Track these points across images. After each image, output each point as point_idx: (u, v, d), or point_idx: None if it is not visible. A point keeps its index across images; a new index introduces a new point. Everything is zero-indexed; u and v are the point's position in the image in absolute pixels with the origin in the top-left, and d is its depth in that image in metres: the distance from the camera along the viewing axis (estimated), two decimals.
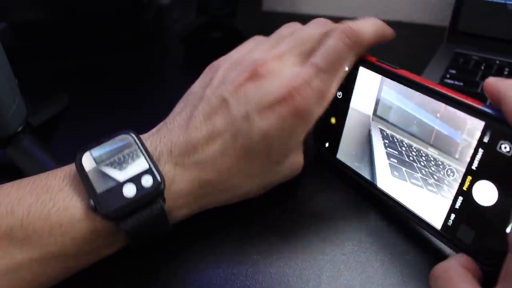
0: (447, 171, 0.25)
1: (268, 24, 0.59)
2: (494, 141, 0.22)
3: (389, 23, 0.30)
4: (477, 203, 0.23)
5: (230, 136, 0.25)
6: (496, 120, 0.22)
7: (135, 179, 0.23)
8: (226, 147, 0.25)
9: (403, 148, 0.27)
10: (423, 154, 0.26)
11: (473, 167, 0.23)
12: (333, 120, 0.31)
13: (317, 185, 0.32)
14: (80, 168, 0.23)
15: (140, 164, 0.24)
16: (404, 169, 0.27)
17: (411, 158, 0.26)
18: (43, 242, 0.22)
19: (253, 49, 0.30)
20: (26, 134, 0.33)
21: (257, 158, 0.26)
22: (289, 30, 0.30)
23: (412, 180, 0.26)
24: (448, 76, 0.41)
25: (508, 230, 0.22)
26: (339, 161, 0.31)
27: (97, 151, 0.24)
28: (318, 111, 0.27)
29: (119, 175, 0.24)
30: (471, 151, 0.23)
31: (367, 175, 0.29)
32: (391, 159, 0.28)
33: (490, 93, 0.22)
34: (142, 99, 0.44)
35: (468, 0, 0.45)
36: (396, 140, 0.27)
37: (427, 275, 0.25)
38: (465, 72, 0.42)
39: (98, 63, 0.50)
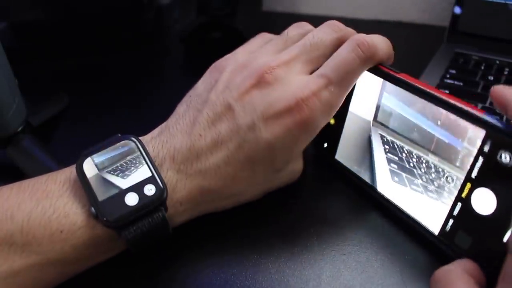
0: (446, 177, 0.25)
1: (268, 24, 0.59)
2: (494, 151, 0.22)
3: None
4: (475, 211, 0.23)
5: (235, 146, 0.25)
6: (497, 130, 0.22)
7: (138, 187, 0.23)
8: (230, 156, 0.25)
9: (403, 154, 0.27)
10: (424, 161, 0.26)
11: (473, 175, 0.23)
12: (332, 121, 0.31)
13: (317, 185, 0.32)
14: (81, 174, 0.23)
15: (142, 171, 0.24)
16: (404, 175, 0.27)
17: (411, 164, 0.26)
18: (43, 248, 0.22)
19: (259, 50, 0.29)
20: (26, 134, 0.33)
21: (261, 167, 0.26)
22: (299, 32, 0.29)
23: (413, 186, 0.26)
24: (448, 76, 0.41)
25: (505, 238, 0.22)
26: (338, 162, 0.31)
27: (99, 157, 0.24)
28: (324, 122, 0.26)
29: (122, 182, 0.23)
30: (471, 159, 0.23)
31: (367, 179, 0.29)
32: (392, 164, 0.28)
33: (497, 100, 0.22)
34: (142, 99, 0.44)
35: (468, 0, 0.45)
36: (396, 146, 0.27)
37: (427, 275, 0.25)
38: (465, 72, 0.42)
39: (98, 63, 0.50)
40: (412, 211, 0.27)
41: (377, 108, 0.28)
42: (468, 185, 0.24)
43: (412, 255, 0.26)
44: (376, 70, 0.28)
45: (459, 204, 0.24)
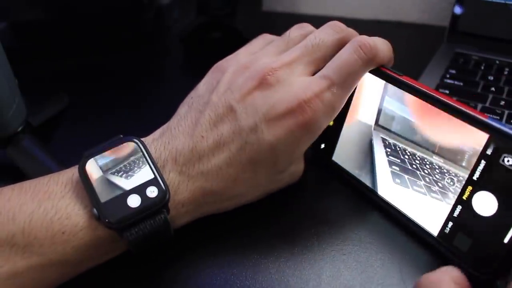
0: (447, 180, 0.25)
1: (268, 24, 0.59)
2: (497, 154, 0.22)
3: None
4: (476, 213, 0.23)
5: (237, 147, 0.25)
6: (500, 134, 0.22)
7: (140, 189, 0.23)
8: (232, 158, 0.25)
9: (406, 157, 0.27)
10: (427, 162, 0.26)
11: (474, 178, 0.23)
12: (330, 123, 0.31)
13: (317, 186, 0.32)
14: (84, 175, 0.23)
15: (145, 172, 0.24)
16: (406, 176, 0.27)
17: (414, 166, 0.26)
18: (45, 249, 0.22)
19: (261, 51, 0.29)
20: (26, 134, 0.33)
21: (263, 168, 0.26)
22: (300, 33, 0.29)
23: (415, 187, 0.26)
24: (448, 76, 0.41)
25: (506, 240, 0.22)
26: (335, 164, 0.31)
27: (103, 159, 0.24)
28: (326, 123, 0.26)
29: (126, 183, 0.23)
30: (474, 161, 0.23)
31: (366, 181, 0.29)
32: (393, 167, 0.27)
33: None
34: (142, 99, 0.44)
35: (468, 0, 0.45)
36: (398, 149, 0.27)
37: None
38: (465, 72, 0.42)
39: (98, 63, 0.50)
40: (410, 213, 0.27)
41: (379, 112, 0.28)
42: (469, 188, 0.24)
43: (412, 255, 0.26)
44: (379, 72, 0.28)
45: (459, 206, 0.24)
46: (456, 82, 0.40)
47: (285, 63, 0.26)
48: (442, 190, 0.25)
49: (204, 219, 0.27)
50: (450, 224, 0.25)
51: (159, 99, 0.43)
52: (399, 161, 0.27)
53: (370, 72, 0.28)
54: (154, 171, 0.24)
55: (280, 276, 0.25)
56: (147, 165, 0.24)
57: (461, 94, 0.39)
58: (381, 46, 0.27)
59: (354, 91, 0.29)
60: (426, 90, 0.25)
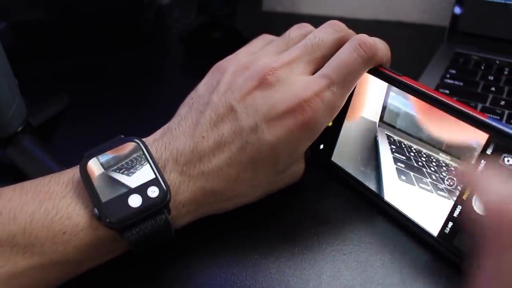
0: (447, 179, 0.25)
1: (268, 24, 0.59)
2: (497, 154, 0.22)
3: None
4: (476, 213, 0.23)
5: (237, 148, 0.25)
6: (500, 134, 0.22)
7: (141, 189, 0.23)
8: (233, 158, 0.25)
9: (411, 154, 0.27)
10: (434, 160, 0.25)
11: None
12: (329, 123, 0.31)
13: (317, 186, 0.32)
14: (84, 175, 0.23)
15: (146, 173, 0.24)
16: (412, 173, 0.27)
17: (420, 163, 0.26)
18: (46, 249, 0.22)
19: (261, 51, 0.29)
20: (26, 134, 0.33)
21: (263, 168, 0.26)
22: (300, 33, 0.29)
23: (421, 185, 0.26)
24: (448, 76, 0.41)
25: None
26: (334, 164, 0.31)
27: (105, 156, 0.24)
28: (326, 123, 0.26)
29: (128, 180, 0.23)
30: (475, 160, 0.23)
31: (370, 180, 0.29)
32: (398, 164, 0.27)
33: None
34: (142, 99, 0.44)
35: (468, 0, 0.45)
36: (404, 146, 0.27)
37: (427, 275, 0.25)
38: (465, 72, 0.42)
39: (98, 63, 0.50)
40: (411, 212, 0.27)
41: (383, 108, 0.28)
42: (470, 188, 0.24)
43: (412, 255, 0.26)
44: (378, 72, 0.28)
45: (459, 207, 0.24)
46: (456, 82, 0.41)
47: (285, 62, 0.26)
48: (449, 188, 0.25)
49: (204, 219, 0.27)
50: (450, 224, 0.25)
51: (159, 99, 0.43)
52: (404, 158, 0.27)
53: (369, 72, 0.28)
54: (155, 171, 0.24)
55: (280, 276, 0.25)
56: (148, 165, 0.24)
57: (461, 94, 0.39)
58: (380, 45, 0.27)
59: (353, 91, 0.29)
60: (426, 90, 0.25)
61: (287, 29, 0.30)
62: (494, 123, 0.23)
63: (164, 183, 0.23)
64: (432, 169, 0.25)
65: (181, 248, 0.27)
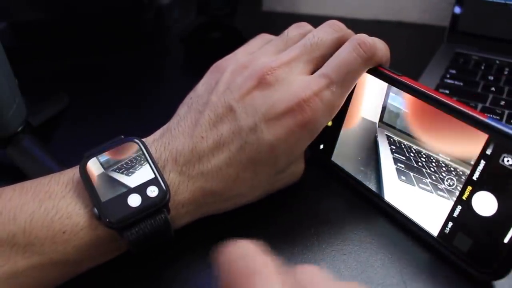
0: (446, 180, 0.25)
1: (268, 24, 0.59)
2: (496, 154, 0.22)
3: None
4: (476, 213, 0.23)
5: (236, 147, 0.25)
6: (500, 134, 0.22)
7: (140, 189, 0.23)
8: (232, 158, 0.25)
9: (411, 154, 0.27)
10: (433, 160, 0.25)
11: (474, 178, 0.23)
12: (329, 123, 0.31)
13: (317, 186, 0.32)
14: (84, 175, 0.23)
15: (146, 172, 0.24)
16: (412, 174, 0.27)
17: (420, 163, 0.26)
18: (46, 249, 0.22)
19: (260, 50, 0.29)
20: (26, 134, 0.33)
21: (263, 168, 0.26)
22: (299, 32, 0.29)
23: (421, 185, 0.26)
24: (448, 76, 0.41)
25: (506, 240, 0.22)
26: (335, 164, 0.31)
27: (105, 157, 0.24)
28: (325, 122, 0.26)
29: (127, 180, 0.23)
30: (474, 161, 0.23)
31: (370, 180, 0.29)
32: (398, 164, 0.27)
33: None
34: (142, 99, 0.44)
35: (468, 0, 0.45)
36: (403, 146, 0.27)
37: (427, 275, 0.25)
38: (465, 72, 0.42)
39: (98, 63, 0.50)
40: (411, 212, 0.27)
41: (383, 109, 0.28)
42: (469, 188, 0.24)
43: (412, 255, 0.26)
44: (378, 72, 0.28)
45: (459, 207, 0.24)
46: (456, 82, 0.40)
47: (284, 62, 0.26)
48: (449, 188, 0.25)
49: (204, 219, 0.27)
50: (450, 224, 0.25)
51: (159, 99, 0.43)
52: (404, 158, 0.27)
53: (369, 72, 0.28)
54: (154, 171, 0.24)
55: None
56: (148, 165, 0.24)
57: (461, 94, 0.39)
58: (380, 45, 0.27)
59: (352, 91, 0.29)
60: (425, 90, 0.25)
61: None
62: (494, 123, 0.22)
63: (163, 183, 0.23)
64: (432, 169, 0.25)
65: (180, 248, 0.27)
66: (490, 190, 0.23)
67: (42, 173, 0.25)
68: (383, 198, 0.28)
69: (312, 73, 0.27)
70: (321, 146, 0.32)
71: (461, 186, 0.24)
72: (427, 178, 0.26)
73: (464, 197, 0.24)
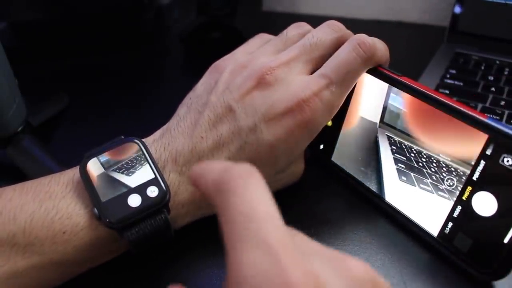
0: (447, 180, 0.25)
1: (268, 24, 0.59)
2: (497, 154, 0.22)
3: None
4: (476, 213, 0.23)
5: (236, 147, 0.25)
6: (500, 134, 0.22)
7: (140, 189, 0.23)
8: (232, 157, 0.25)
9: (412, 154, 0.27)
10: (434, 160, 0.25)
11: (474, 178, 0.23)
12: (329, 123, 0.31)
13: (317, 185, 0.32)
14: (84, 175, 0.23)
15: (146, 173, 0.24)
16: (412, 174, 0.27)
17: (420, 164, 0.26)
18: (46, 249, 0.22)
19: (259, 50, 0.29)
20: (26, 134, 0.33)
21: (262, 168, 0.25)
22: (298, 32, 0.29)
23: (421, 185, 0.26)
24: (448, 76, 0.41)
25: (506, 240, 0.22)
26: (335, 164, 0.31)
27: (105, 157, 0.24)
28: (325, 122, 0.26)
29: (127, 180, 0.23)
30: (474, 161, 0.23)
31: (370, 181, 0.29)
32: (399, 164, 0.27)
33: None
34: (142, 99, 0.44)
35: (468, 0, 0.45)
36: (404, 147, 0.27)
37: (427, 275, 0.25)
38: (465, 72, 0.42)
39: (98, 63, 0.50)
40: (411, 212, 0.27)
41: (384, 109, 0.28)
42: (469, 188, 0.24)
43: (412, 255, 0.26)
44: (378, 72, 0.28)
45: (459, 207, 0.24)
46: (456, 82, 0.40)
47: (283, 62, 0.26)
48: (449, 188, 0.25)
49: (204, 219, 0.27)
50: (450, 224, 0.25)
51: (159, 99, 0.43)
52: (405, 159, 0.27)
53: (369, 72, 0.28)
54: (154, 171, 0.24)
55: None
56: (148, 165, 0.24)
57: (461, 94, 0.39)
58: (379, 45, 0.27)
59: (352, 91, 0.29)
60: (425, 91, 0.25)
61: None
62: (494, 123, 0.22)
63: (163, 183, 0.23)
64: (433, 169, 0.25)
65: (180, 248, 0.27)
66: (490, 190, 0.23)
67: (42, 173, 0.25)
68: (384, 199, 0.28)
69: (312, 73, 0.27)
70: (321, 146, 0.32)
71: (461, 186, 0.24)
72: (428, 179, 0.26)
73: (464, 197, 0.24)
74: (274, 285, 0.13)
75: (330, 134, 0.31)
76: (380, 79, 0.27)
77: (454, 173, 0.24)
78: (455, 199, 0.24)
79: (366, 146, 0.29)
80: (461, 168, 0.24)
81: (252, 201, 0.16)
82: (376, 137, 0.28)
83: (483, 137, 0.23)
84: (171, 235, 0.24)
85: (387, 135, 0.28)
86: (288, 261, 0.14)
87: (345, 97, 0.27)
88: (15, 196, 0.23)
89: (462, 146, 0.24)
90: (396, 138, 0.27)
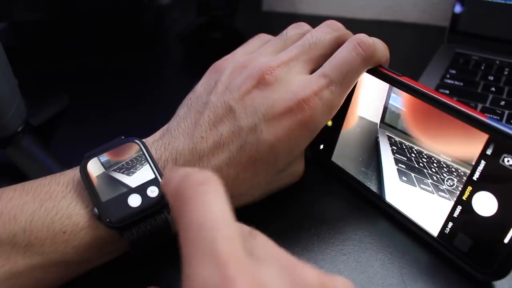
0: (447, 180, 0.25)
1: (268, 24, 0.59)
2: (497, 154, 0.22)
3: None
4: (476, 213, 0.23)
5: (237, 147, 0.25)
6: (500, 134, 0.22)
7: (141, 189, 0.23)
8: (232, 158, 0.25)
9: (412, 155, 0.27)
10: (435, 161, 0.25)
11: (474, 178, 0.23)
12: (329, 123, 0.31)
13: (317, 186, 0.32)
14: (84, 175, 0.23)
15: (146, 173, 0.24)
16: (413, 174, 0.27)
17: (421, 164, 0.26)
18: (46, 249, 0.22)
19: (258, 50, 0.29)
20: (26, 134, 0.33)
21: (263, 168, 0.26)
22: (297, 32, 0.29)
23: (422, 186, 0.26)
24: (448, 76, 0.41)
25: (506, 241, 0.22)
26: (335, 164, 0.31)
27: (105, 157, 0.24)
28: (325, 122, 0.26)
29: (128, 180, 0.23)
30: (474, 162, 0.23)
31: (371, 181, 0.29)
32: (400, 165, 0.27)
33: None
34: (142, 99, 0.44)
35: (469, 0, 0.45)
36: (405, 147, 0.27)
37: (427, 275, 0.25)
38: (465, 72, 0.42)
39: (98, 63, 0.50)
40: (411, 213, 0.27)
41: (385, 109, 0.28)
42: (469, 188, 0.24)
43: (412, 255, 0.26)
44: (378, 72, 0.28)
45: (459, 207, 0.24)
46: (456, 82, 0.40)
47: (283, 61, 0.26)
48: (449, 188, 0.25)
49: None
50: (450, 224, 0.25)
51: (159, 99, 0.43)
52: (405, 159, 0.27)
53: (369, 72, 0.28)
54: (155, 171, 0.24)
55: None
56: (148, 165, 0.24)
57: (461, 94, 0.39)
58: (379, 45, 0.27)
59: (353, 92, 0.29)
60: (425, 91, 0.25)
61: None
62: (494, 123, 0.22)
63: None
64: (433, 170, 0.25)
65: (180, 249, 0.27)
66: (490, 190, 0.23)
67: (42, 173, 0.25)
68: (384, 199, 0.28)
69: (311, 73, 0.27)
70: (321, 147, 0.32)
71: (461, 186, 0.24)
72: (429, 179, 0.26)
73: (464, 197, 0.24)
74: None
75: (330, 134, 0.31)
76: (381, 79, 0.27)
77: (454, 173, 0.24)
78: (455, 199, 0.24)
79: (366, 147, 0.29)
80: (461, 168, 0.24)
81: (205, 210, 0.16)
82: (377, 138, 0.28)
83: (483, 137, 0.23)
84: (171, 235, 0.24)
85: (387, 135, 0.28)
86: (234, 273, 0.14)
87: (345, 96, 0.27)
88: (15, 196, 0.23)
89: (463, 146, 0.24)
90: (397, 139, 0.27)
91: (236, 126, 0.25)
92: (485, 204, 0.23)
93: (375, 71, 0.28)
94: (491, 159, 0.23)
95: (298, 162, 0.29)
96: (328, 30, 0.28)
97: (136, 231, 0.23)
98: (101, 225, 0.23)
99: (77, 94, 0.43)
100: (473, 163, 0.23)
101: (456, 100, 0.24)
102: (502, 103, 0.37)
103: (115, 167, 0.24)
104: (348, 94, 0.28)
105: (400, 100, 0.27)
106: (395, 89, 0.27)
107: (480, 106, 0.37)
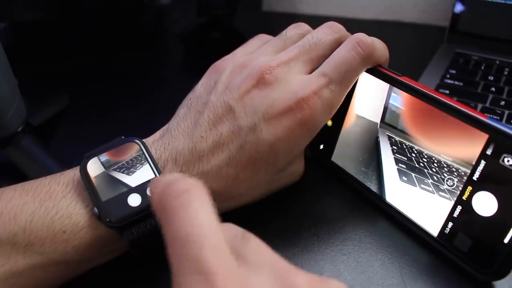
0: (447, 180, 0.25)
1: (268, 24, 0.59)
2: (497, 154, 0.22)
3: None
4: (476, 213, 0.23)
5: (236, 147, 0.25)
6: (500, 134, 0.22)
7: (140, 189, 0.23)
8: (232, 157, 0.25)
9: (413, 155, 0.27)
10: (435, 161, 0.25)
11: (474, 178, 0.23)
12: (329, 123, 0.31)
13: (317, 185, 0.32)
14: (84, 175, 0.23)
15: (146, 172, 0.24)
16: (413, 174, 0.27)
17: (421, 164, 0.26)
18: (46, 249, 0.22)
19: (258, 50, 0.29)
20: (26, 134, 0.33)
21: (263, 167, 0.26)
22: (297, 32, 0.29)
23: (422, 186, 0.26)
24: (448, 76, 0.41)
25: (506, 241, 0.22)
26: (334, 164, 0.31)
27: (105, 157, 0.24)
28: (324, 121, 0.26)
29: (128, 179, 0.23)
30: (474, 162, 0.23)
31: (371, 181, 0.29)
32: (400, 164, 0.27)
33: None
34: (142, 99, 0.44)
35: (469, 0, 0.45)
36: (405, 147, 0.27)
37: (427, 275, 0.25)
38: (465, 72, 0.42)
39: (98, 63, 0.50)
40: (411, 212, 0.27)
41: (385, 109, 0.28)
42: (469, 188, 0.24)
43: (412, 255, 0.26)
44: (378, 72, 0.28)
45: (459, 207, 0.24)
46: (456, 82, 0.40)
47: (282, 61, 0.27)
48: (449, 188, 0.25)
49: None
50: (450, 224, 0.25)
51: (159, 99, 0.43)
52: (405, 159, 0.27)
53: (369, 72, 0.28)
54: (154, 171, 0.24)
55: None
56: (148, 165, 0.24)
57: (461, 94, 0.39)
58: (378, 45, 0.27)
59: (353, 91, 0.29)
60: (426, 91, 0.25)
61: None
62: (494, 123, 0.22)
63: None
64: (434, 170, 0.25)
65: None
66: (490, 190, 0.23)
67: (42, 173, 0.25)
68: (384, 199, 0.28)
69: (311, 72, 0.27)
70: (321, 146, 0.32)
71: (462, 186, 0.24)
72: (429, 179, 0.26)
73: (464, 197, 0.24)
74: None
75: (330, 134, 0.31)
76: (381, 79, 0.27)
77: (454, 173, 0.24)
78: (455, 199, 0.24)
79: (366, 146, 0.29)
80: (461, 168, 0.24)
81: (191, 219, 0.16)
82: (377, 137, 0.28)
83: (483, 137, 0.23)
84: None
85: (388, 135, 0.28)
86: (223, 283, 0.14)
87: (345, 95, 0.27)
88: (15, 196, 0.23)
89: (463, 146, 0.24)
90: (397, 138, 0.27)
91: (236, 125, 0.25)
92: (485, 204, 0.23)
93: (375, 71, 0.28)
94: (491, 159, 0.23)
95: (298, 161, 0.29)
96: (329, 31, 0.28)
97: (136, 230, 0.23)
98: (101, 224, 0.23)
99: (77, 94, 0.43)
100: (473, 163, 0.23)
101: (456, 100, 0.24)
102: (502, 103, 0.37)
103: (115, 167, 0.24)
104: (348, 94, 0.28)
105: (401, 100, 0.27)
106: (395, 88, 0.27)
107: (480, 106, 0.37)
